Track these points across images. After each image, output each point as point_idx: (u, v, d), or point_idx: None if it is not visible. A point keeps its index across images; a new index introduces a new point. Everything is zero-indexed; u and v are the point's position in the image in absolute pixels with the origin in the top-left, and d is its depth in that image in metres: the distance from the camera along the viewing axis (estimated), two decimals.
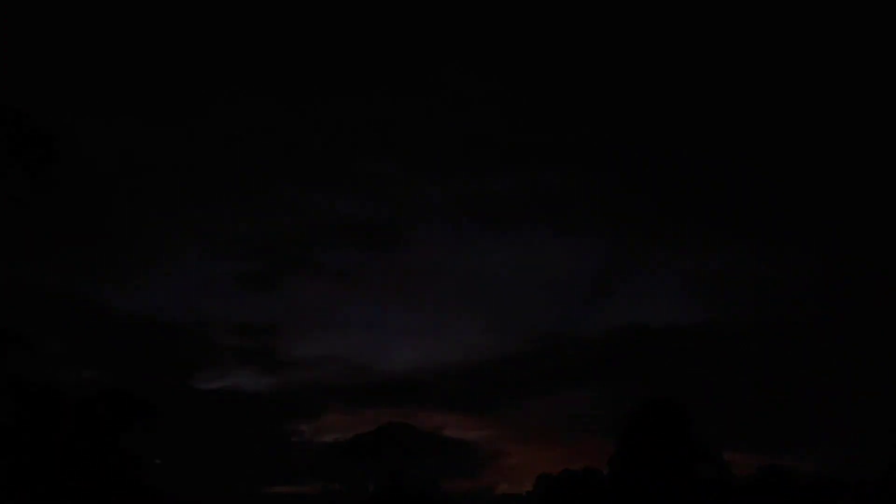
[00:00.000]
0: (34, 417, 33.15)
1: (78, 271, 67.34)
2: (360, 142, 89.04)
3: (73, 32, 70.91)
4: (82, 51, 71.59)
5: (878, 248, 72.66)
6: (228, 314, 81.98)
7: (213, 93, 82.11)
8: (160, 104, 79.67)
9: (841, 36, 73.29)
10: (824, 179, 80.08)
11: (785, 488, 45.58)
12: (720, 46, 77.13)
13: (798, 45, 75.90)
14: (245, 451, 56.41)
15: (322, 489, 50.30)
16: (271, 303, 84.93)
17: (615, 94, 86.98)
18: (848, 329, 68.47)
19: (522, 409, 73.34)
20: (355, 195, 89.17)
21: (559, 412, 71.59)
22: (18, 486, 31.95)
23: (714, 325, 74.66)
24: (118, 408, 34.83)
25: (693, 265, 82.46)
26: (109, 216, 72.15)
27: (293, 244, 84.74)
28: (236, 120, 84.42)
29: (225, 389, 68.71)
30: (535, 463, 71.22)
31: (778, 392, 64.02)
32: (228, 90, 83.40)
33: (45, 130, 21.05)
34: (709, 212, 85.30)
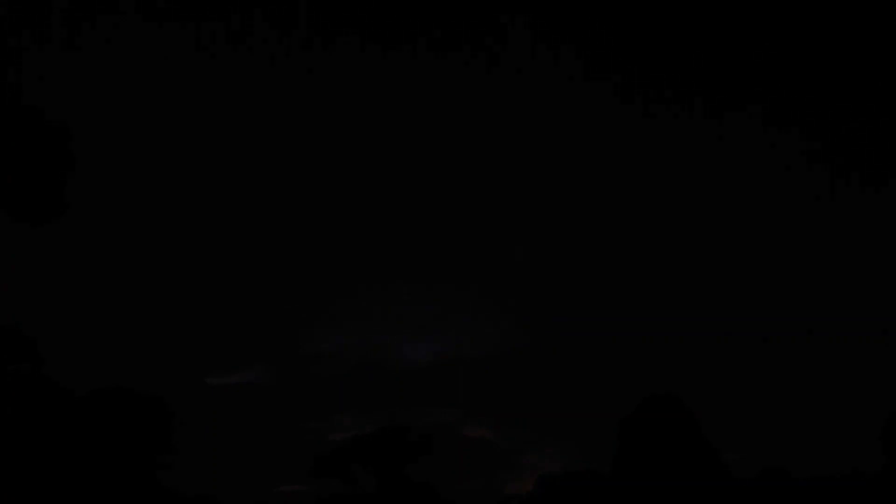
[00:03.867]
0: (40, 417, 33.26)
1: (84, 267, 67.52)
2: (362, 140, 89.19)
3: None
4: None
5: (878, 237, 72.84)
6: (243, 308, 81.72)
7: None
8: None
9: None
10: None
11: (785, 488, 45.78)
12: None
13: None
14: (257, 449, 56.62)
15: (331, 488, 50.41)
16: (286, 297, 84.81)
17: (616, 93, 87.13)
18: (847, 327, 68.74)
19: (535, 407, 73.63)
20: (362, 191, 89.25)
21: (565, 410, 71.81)
22: (25, 486, 32.07)
23: (715, 324, 74.81)
24: (128, 406, 35.04)
25: (694, 263, 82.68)
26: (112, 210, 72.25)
27: (304, 240, 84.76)
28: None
29: (239, 385, 68.79)
30: (542, 462, 71.42)
31: (778, 392, 64.28)
32: None
33: (60, 129, 20.74)
34: (710, 211, 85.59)
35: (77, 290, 63.92)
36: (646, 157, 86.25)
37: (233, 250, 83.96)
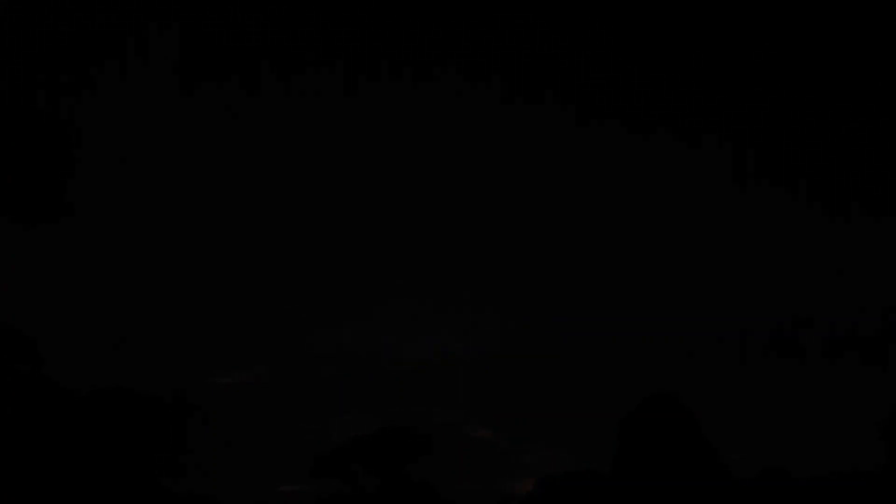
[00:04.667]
0: (40, 417, 33.28)
1: (85, 267, 67.50)
2: (364, 141, 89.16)
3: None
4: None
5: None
6: (243, 308, 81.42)
7: None
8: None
9: None
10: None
11: (785, 488, 45.78)
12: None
13: None
14: (257, 449, 56.62)
15: (331, 488, 50.43)
16: (286, 297, 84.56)
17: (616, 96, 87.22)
18: (848, 326, 68.74)
19: (535, 407, 73.63)
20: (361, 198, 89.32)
21: (565, 410, 71.79)
22: (25, 487, 32.07)
23: (715, 324, 74.78)
24: (128, 406, 35.05)
25: (694, 263, 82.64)
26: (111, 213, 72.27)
27: (306, 240, 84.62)
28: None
29: (238, 385, 68.70)
30: (542, 462, 71.41)
31: (778, 391, 64.26)
32: None
33: (60, 129, 20.60)
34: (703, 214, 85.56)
35: (77, 290, 63.89)
36: (646, 157, 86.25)
37: (233, 251, 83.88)
